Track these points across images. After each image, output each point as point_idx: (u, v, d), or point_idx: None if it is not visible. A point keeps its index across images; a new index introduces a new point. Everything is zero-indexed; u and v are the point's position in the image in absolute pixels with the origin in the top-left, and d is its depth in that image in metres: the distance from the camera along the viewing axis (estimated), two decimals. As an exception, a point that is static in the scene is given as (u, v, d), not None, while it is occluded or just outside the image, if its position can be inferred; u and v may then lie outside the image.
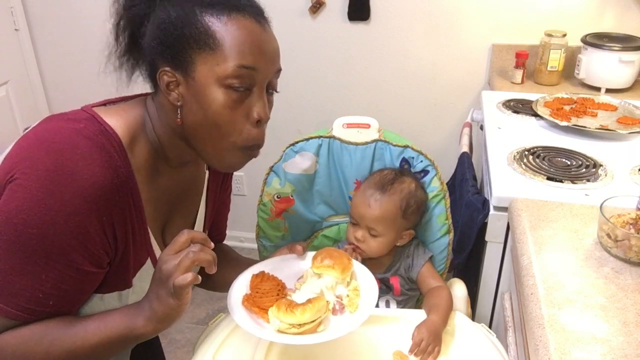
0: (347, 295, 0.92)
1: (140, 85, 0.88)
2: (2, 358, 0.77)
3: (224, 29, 0.77)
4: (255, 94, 0.81)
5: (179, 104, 0.80)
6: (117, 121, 0.82)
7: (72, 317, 0.82)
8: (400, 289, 1.16)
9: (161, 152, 0.87)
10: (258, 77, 0.80)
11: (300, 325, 0.84)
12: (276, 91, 0.87)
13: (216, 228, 1.14)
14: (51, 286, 0.76)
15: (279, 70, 0.85)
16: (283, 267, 1.00)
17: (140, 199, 0.84)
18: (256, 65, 0.79)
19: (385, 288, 1.16)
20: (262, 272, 0.96)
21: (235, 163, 0.85)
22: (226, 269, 1.02)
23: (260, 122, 0.82)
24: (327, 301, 0.90)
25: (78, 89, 2.41)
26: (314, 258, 0.97)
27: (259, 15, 0.81)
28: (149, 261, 0.90)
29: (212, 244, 0.80)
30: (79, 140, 0.76)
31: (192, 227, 1.01)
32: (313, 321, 0.85)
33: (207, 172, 1.03)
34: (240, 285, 0.93)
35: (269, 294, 0.90)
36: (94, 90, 2.40)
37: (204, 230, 1.05)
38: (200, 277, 0.75)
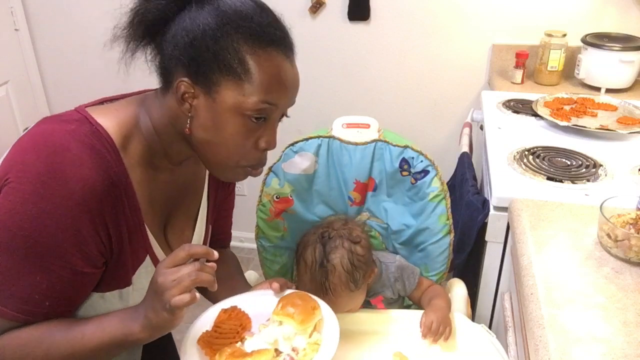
0: (304, 349, 0.88)
1: (140, 71, 0.85)
2: None
3: (257, 62, 0.78)
4: (268, 124, 0.84)
5: (190, 114, 0.81)
6: (110, 121, 0.82)
7: (71, 320, 0.82)
8: (384, 307, 1.15)
9: (160, 149, 0.87)
10: (276, 111, 0.83)
11: None
12: (287, 116, 0.89)
13: (219, 226, 1.13)
14: (47, 287, 0.77)
15: (294, 102, 0.87)
16: (258, 303, 0.97)
17: (136, 197, 0.84)
18: (278, 102, 0.82)
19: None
20: (233, 308, 0.94)
21: (235, 178, 0.89)
22: (221, 286, 1.01)
23: (266, 150, 0.85)
24: (281, 352, 0.87)
25: (78, 89, 2.41)
26: (278, 302, 0.93)
27: (289, 51, 0.84)
28: (148, 259, 0.89)
29: (216, 255, 0.79)
30: (69, 142, 0.76)
31: (195, 225, 1.01)
32: None
33: None
34: (205, 320, 0.92)
35: (226, 335, 0.89)
36: (94, 90, 2.40)
37: (206, 228, 1.04)
38: (198, 297, 0.75)
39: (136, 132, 0.85)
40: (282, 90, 0.82)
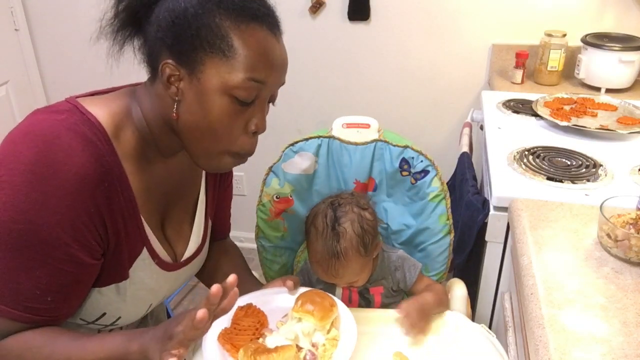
0: (323, 345, 0.90)
1: (131, 63, 0.84)
2: None
3: (241, 38, 0.75)
4: (257, 105, 0.80)
5: (177, 98, 0.79)
6: (101, 110, 0.81)
7: (77, 333, 0.82)
8: (382, 300, 1.15)
9: (151, 140, 0.86)
10: (264, 91, 0.80)
11: None
12: (274, 103, 0.87)
13: (219, 218, 1.12)
14: (47, 282, 0.76)
15: (283, 83, 0.84)
16: (272, 300, 1.00)
17: (130, 187, 0.83)
18: (266, 80, 0.78)
19: (363, 304, 1.15)
20: (249, 305, 0.95)
21: (223, 167, 0.85)
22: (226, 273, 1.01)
23: (256, 133, 0.82)
24: (301, 348, 0.89)
25: (78, 88, 2.39)
26: (297, 300, 0.95)
27: (275, 27, 0.80)
28: (145, 251, 0.88)
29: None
30: (59, 131, 0.75)
31: (193, 218, 1.00)
32: None
33: None
34: (223, 318, 0.91)
35: (245, 332, 0.90)
36: (94, 89, 2.40)
37: (205, 223, 1.03)
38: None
39: (128, 123, 0.83)
40: (268, 66, 0.78)
